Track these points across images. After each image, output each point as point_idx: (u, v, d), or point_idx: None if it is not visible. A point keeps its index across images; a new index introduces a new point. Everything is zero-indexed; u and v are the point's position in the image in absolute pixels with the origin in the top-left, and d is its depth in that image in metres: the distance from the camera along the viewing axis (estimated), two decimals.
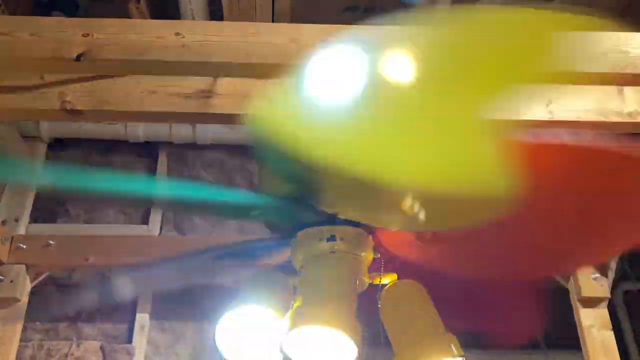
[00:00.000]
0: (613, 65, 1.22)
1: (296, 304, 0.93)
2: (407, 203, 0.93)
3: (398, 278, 1.09)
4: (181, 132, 2.47)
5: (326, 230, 1.03)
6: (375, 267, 1.09)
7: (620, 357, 1.99)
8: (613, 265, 2.12)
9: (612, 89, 1.40)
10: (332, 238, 1.02)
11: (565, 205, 0.89)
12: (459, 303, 1.18)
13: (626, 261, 2.64)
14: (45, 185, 2.02)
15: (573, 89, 1.39)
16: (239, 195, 1.02)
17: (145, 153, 2.60)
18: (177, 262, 1.28)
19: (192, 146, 2.55)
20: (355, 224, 1.04)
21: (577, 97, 1.38)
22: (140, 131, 2.45)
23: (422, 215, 0.91)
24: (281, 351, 0.91)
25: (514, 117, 1.34)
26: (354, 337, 0.87)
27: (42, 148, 2.48)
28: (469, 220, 0.84)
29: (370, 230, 1.06)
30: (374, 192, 0.82)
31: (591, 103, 1.38)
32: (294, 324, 0.88)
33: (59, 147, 2.54)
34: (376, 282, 1.09)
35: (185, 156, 2.59)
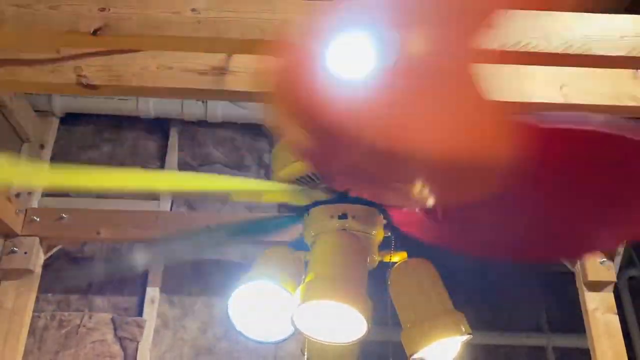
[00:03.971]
0: (629, 48, 1.21)
1: (307, 279, 0.94)
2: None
3: (408, 256, 1.11)
4: (192, 109, 2.48)
5: (338, 208, 1.04)
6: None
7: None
8: (620, 250, 2.13)
9: (628, 72, 1.39)
10: (343, 216, 1.03)
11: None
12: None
13: (632, 248, 2.64)
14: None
15: (587, 72, 1.38)
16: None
17: (157, 129, 2.61)
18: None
19: (203, 123, 2.56)
20: (367, 203, 1.05)
21: (591, 81, 1.37)
22: (151, 107, 2.46)
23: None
24: (292, 325, 0.92)
25: (527, 99, 1.34)
26: (365, 312, 0.88)
27: (54, 122, 2.50)
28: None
29: (382, 209, 1.07)
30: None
31: (606, 87, 1.37)
32: (305, 297, 0.89)
33: (70, 121, 2.55)
34: (386, 260, 1.10)
35: (196, 133, 2.61)
